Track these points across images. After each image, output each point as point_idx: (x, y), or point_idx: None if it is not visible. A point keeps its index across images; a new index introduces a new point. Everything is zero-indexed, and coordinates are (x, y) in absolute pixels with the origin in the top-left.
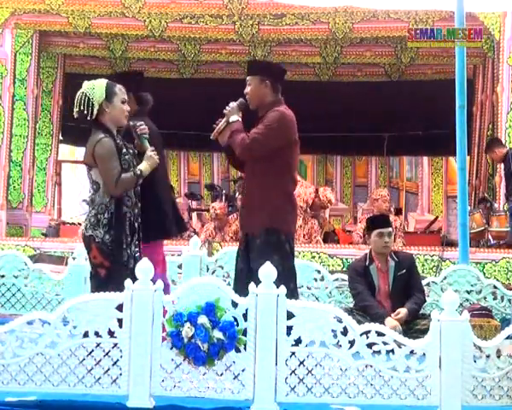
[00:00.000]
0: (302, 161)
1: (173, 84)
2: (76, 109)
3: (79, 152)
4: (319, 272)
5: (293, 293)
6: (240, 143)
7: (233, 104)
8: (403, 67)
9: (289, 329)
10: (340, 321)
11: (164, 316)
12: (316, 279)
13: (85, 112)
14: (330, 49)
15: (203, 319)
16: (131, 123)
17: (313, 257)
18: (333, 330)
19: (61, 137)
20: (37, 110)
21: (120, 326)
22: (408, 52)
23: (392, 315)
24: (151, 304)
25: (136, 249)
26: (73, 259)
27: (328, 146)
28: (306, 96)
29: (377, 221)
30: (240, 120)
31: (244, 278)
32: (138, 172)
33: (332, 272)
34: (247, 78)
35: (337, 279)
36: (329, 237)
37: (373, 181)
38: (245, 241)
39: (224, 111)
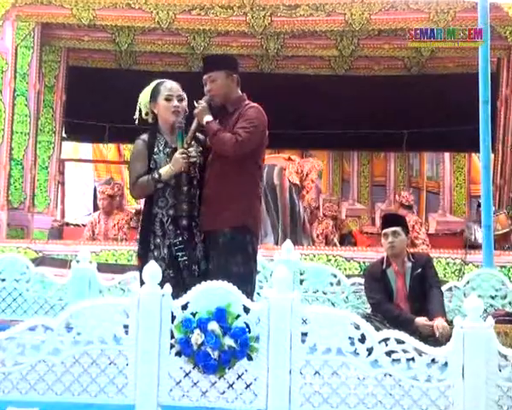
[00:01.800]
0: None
1: (181, 79)
2: (135, 116)
3: (83, 150)
4: (335, 276)
5: (249, 295)
6: (229, 142)
7: (202, 103)
8: (423, 60)
9: (304, 336)
10: (357, 328)
11: (172, 322)
12: (332, 284)
13: (135, 116)
14: (346, 41)
15: (213, 326)
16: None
17: (329, 260)
18: (350, 338)
19: (64, 135)
20: (40, 106)
21: (126, 333)
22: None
23: (436, 331)
24: (159, 309)
25: (178, 253)
26: (77, 262)
27: (344, 143)
28: (321, 90)
29: (384, 221)
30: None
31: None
32: (156, 176)
33: (349, 277)
34: (210, 73)
35: (354, 284)
36: (346, 239)
37: (392, 180)
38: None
39: (195, 112)
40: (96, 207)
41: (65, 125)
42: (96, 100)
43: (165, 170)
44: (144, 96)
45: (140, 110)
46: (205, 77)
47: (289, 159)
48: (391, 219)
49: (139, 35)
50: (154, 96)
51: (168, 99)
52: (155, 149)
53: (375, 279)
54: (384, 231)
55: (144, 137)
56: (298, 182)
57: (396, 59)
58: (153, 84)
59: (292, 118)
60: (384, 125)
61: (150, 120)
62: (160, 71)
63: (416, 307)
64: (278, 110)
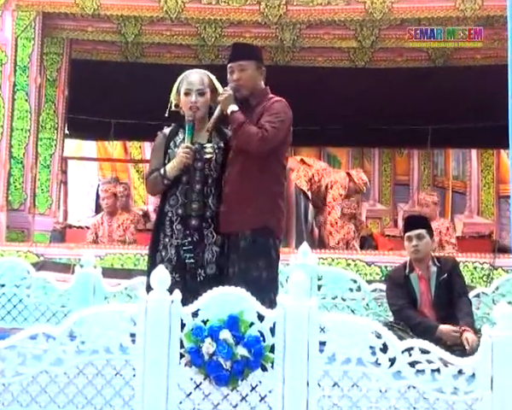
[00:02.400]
0: (336, 156)
1: None
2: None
3: (87, 148)
4: (355, 281)
5: (271, 306)
6: (255, 136)
7: (228, 90)
8: (448, 51)
9: (322, 345)
10: (378, 336)
11: (182, 330)
12: (351, 290)
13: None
14: (367, 31)
15: (226, 334)
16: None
17: (348, 265)
18: (371, 347)
19: (66, 131)
20: (41, 101)
21: (133, 341)
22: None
23: (466, 345)
24: (168, 317)
25: (186, 254)
26: (81, 266)
27: (364, 139)
28: (340, 83)
29: (407, 223)
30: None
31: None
32: (161, 172)
33: (369, 282)
34: (240, 62)
35: (375, 290)
36: (366, 243)
37: (415, 179)
38: (222, 242)
39: (220, 98)
40: (98, 209)
41: (68, 122)
42: (100, 95)
43: (169, 165)
44: (173, 88)
45: (170, 100)
46: (233, 64)
47: (302, 161)
48: (414, 221)
49: (146, 25)
50: (179, 88)
51: (187, 93)
52: (171, 143)
53: (398, 285)
54: (408, 233)
55: (167, 129)
56: (305, 189)
57: (420, 50)
58: (182, 75)
59: (308, 113)
60: (407, 120)
61: (182, 113)
62: (168, 64)
63: (442, 315)
64: (294, 105)
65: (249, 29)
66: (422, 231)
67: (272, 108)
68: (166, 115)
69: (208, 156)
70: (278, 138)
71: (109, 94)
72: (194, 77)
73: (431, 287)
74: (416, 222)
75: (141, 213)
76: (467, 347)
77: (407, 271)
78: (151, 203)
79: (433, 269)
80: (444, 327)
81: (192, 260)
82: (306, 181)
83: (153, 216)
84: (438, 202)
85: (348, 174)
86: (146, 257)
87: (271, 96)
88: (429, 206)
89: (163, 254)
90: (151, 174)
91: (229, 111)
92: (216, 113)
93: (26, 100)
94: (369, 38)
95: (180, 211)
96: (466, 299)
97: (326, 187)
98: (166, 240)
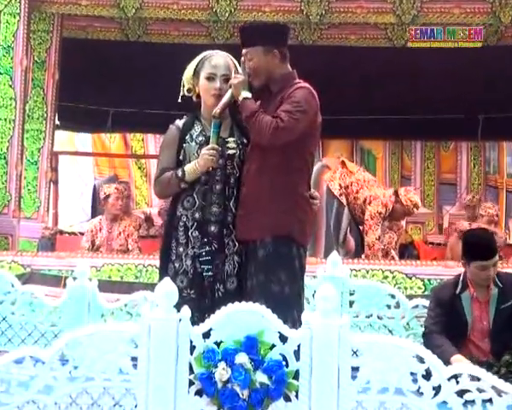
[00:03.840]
0: (370, 150)
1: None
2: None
3: (81, 141)
4: (393, 296)
5: (295, 323)
6: (267, 127)
7: (241, 75)
8: (502, 28)
9: (355, 371)
10: (421, 361)
11: (191, 353)
12: (389, 306)
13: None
14: (407, 4)
15: (242, 358)
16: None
17: (385, 277)
18: (412, 373)
19: (57, 122)
20: (27, 87)
21: (135, 366)
22: (509, 9)
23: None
24: (175, 338)
25: (203, 266)
26: (73, 279)
27: (404, 131)
28: (375, 65)
29: (479, 249)
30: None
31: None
32: (179, 174)
33: (410, 297)
34: (247, 49)
35: (417, 306)
36: (407, 251)
37: (463, 178)
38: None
39: (231, 82)
40: (95, 212)
41: (58, 111)
42: (96, 79)
43: (190, 167)
44: (189, 70)
45: (182, 85)
46: (243, 52)
47: (343, 164)
48: (491, 246)
49: None
50: (198, 71)
51: (210, 78)
52: (187, 137)
53: (442, 305)
54: (483, 263)
55: (180, 121)
56: (337, 193)
57: (469, 25)
58: (201, 55)
59: (339, 101)
60: (454, 108)
61: (195, 99)
62: (176, 43)
63: (499, 348)
64: (321, 91)
65: (269, 2)
66: (497, 259)
67: (293, 95)
68: (179, 101)
69: (231, 152)
70: (297, 130)
71: (107, 79)
72: (220, 60)
73: (490, 311)
74: (492, 248)
75: (143, 216)
76: None
77: (458, 289)
78: (156, 205)
79: (495, 291)
80: (457, 358)
81: (210, 273)
82: (341, 187)
83: (157, 221)
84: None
85: (396, 193)
86: (149, 268)
87: (297, 81)
88: (493, 220)
89: (176, 265)
90: (162, 174)
91: (240, 98)
92: (226, 97)
93: (11, 85)
94: (410, 13)
95: (197, 215)
96: None
97: (364, 201)
98: (181, 249)
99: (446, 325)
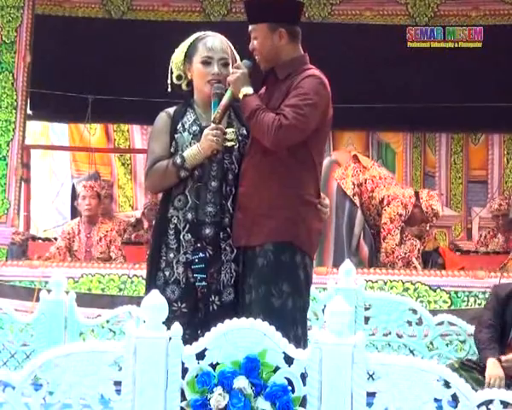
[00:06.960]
0: (389, 144)
1: (196, 31)
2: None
3: (56, 132)
4: (415, 311)
5: (298, 342)
6: (269, 126)
7: (241, 68)
8: None
9: (371, 397)
10: (447, 386)
11: (183, 377)
12: (410, 323)
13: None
14: None
15: (242, 382)
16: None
17: (406, 289)
18: (436, 400)
19: (29, 111)
20: None
21: (118, 392)
22: None
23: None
24: (164, 359)
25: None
26: (48, 292)
27: (427, 121)
28: (394, 47)
29: None
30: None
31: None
32: (178, 161)
33: (434, 313)
34: (252, 26)
35: (442, 323)
36: (431, 259)
37: (495, 175)
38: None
39: (229, 79)
40: (74, 215)
41: (30, 99)
42: (74, 63)
43: (191, 152)
44: (178, 54)
45: (171, 71)
46: (249, 29)
47: (355, 158)
48: None
49: None
50: (190, 55)
51: (206, 62)
52: (179, 126)
53: (499, 301)
54: None
55: (171, 109)
56: (350, 193)
57: (503, 2)
58: (192, 37)
59: (353, 87)
60: (484, 96)
61: (184, 87)
62: (165, 21)
63: None
64: (332, 76)
65: None
66: None
67: (300, 86)
68: (169, 90)
69: (230, 144)
70: (305, 129)
71: (86, 61)
72: (216, 42)
73: None
74: None
75: (133, 219)
76: None
77: None
78: (141, 208)
79: None
80: (491, 363)
81: (204, 283)
82: (354, 185)
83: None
84: None
85: (416, 194)
86: (134, 279)
87: (307, 67)
88: None
89: (167, 273)
90: (155, 163)
91: (240, 95)
92: (225, 98)
93: None
94: None
95: (190, 216)
96: None
97: (381, 202)
98: (171, 255)
99: (498, 322)
